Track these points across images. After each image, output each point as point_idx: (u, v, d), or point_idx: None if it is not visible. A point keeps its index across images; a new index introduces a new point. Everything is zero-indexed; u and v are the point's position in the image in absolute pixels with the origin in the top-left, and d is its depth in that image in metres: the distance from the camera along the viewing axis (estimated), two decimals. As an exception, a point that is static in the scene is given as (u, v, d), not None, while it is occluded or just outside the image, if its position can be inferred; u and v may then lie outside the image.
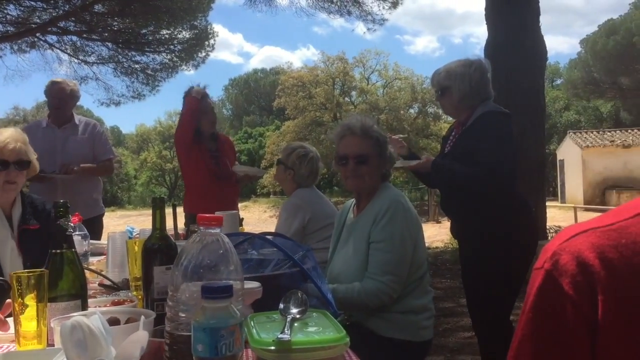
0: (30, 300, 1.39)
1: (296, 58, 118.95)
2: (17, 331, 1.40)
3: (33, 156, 2.84)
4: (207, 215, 1.23)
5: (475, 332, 3.47)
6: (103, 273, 2.31)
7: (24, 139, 2.80)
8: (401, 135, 3.69)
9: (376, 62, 39.14)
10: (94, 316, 1.03)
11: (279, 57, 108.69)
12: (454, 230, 3.50)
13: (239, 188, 4.81)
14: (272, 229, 3.43)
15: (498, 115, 3.15)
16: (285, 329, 1.24)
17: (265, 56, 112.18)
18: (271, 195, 36.05)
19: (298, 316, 1.36)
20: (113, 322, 1.38)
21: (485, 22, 8.10)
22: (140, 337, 1.05)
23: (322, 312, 1.43)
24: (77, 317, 1.02)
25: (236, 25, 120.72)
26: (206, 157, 4.50)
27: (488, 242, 3.09)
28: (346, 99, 38.33)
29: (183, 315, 1.20)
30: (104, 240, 4.39)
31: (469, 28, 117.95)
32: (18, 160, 2.72)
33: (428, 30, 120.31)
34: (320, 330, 1.28)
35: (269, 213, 29.26)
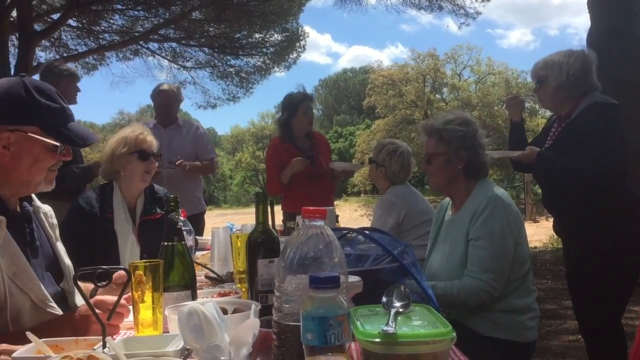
0: (146, 289, 1.47)
1: (385, 56, 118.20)
2: (135, 318, 1.49)
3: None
4: (311, 208, 1.25)
5: (582, 335, 3.29)
6: (208, 266, 2.41)
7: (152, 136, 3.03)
8: (522, 97, 3.57)
9: (468, 58, 38.16)
10: (208, 304, 1.08)
11: (367, 56, 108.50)
12: (557, 228, 3.33)
13: (334, 186, 4.87)
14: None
15: (605, 107, 2.97)
16: (390, 322, 1.24)
17: (353, 56, 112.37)
18: (362, 194, 36.06)
19: (401, 310, 1.35)
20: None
21: (587, 11, 7.67)
22: (252, 324, 1.08)
23: (425, 306, 1.41)
24: (194, 304, 1.07)
25: (325, 26, 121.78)
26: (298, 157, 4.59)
27: (597, 241, 2.91)
28: (437, 96, 37.63)
29: (287, 305, 1.23)
30: (206, 236, 4.58)
31: (567, 19, 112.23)
32: (154, 152, 2.96)
33: (521, 23, 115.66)
34: (425, 324, 1.27)
35: (359, 212, 29.28)
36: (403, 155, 3.86)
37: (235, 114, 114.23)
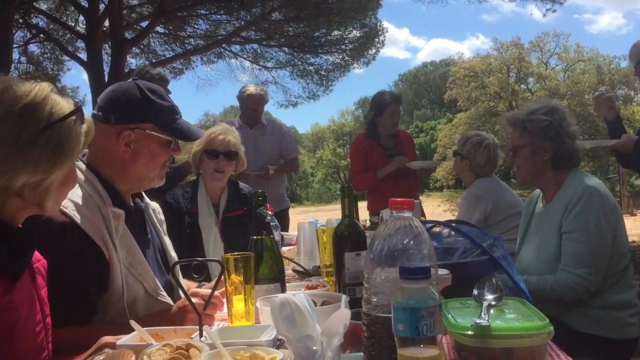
0: (238, 281, 1.51)
1: (465, 48, 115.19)
2: (229, 310, 1.54)
3: (242, 150, 3.12)
4: (398, 199, 1.24)
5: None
6: (295, 260, 2.45)
7: (236, 135, 3.12)
8: (610, 93, 3.39)
9: (555, 45, 36.56)
10: (300, 294, 1.10)
11: (447, 48, 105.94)
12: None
13: (418, 183, 4.85)
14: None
15: None
16: (483, 314, 1.21)
17: (432, 49, 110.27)
18: (445, 189, 35.44)
19: (494, 303, 1.32)
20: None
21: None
22: (343, 314, 1.09)
23: (519, 300, 1.37)
24: (285, 294, 1.09)
25: (402, 20, 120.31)
26: (382, 157, 4.59)
27: None
28: (522, 86, 36.32)
29: (376, 297, 1.23)
30: (291, 231, 4.66)
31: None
32: (227, 151, 3.01)
33: (611, 7, 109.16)
34: (520, 317, 1.23)
35: (443, 207, 28.78)
36: (489, 148, 3.76)
37: (315, 112, 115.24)
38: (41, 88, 1.33)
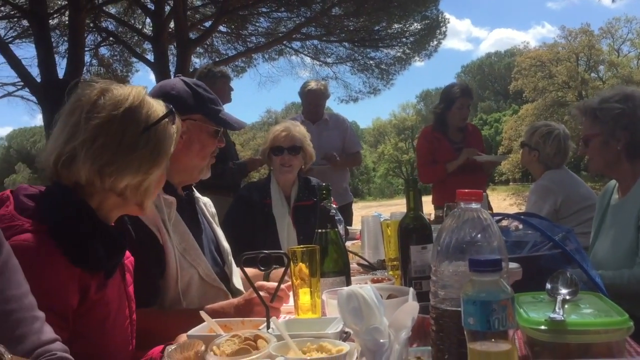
0: (304, 273, 1.52)
1: (530, 37, 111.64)
2: (295, 303, 1.55)
3: (308, 144, 3.20)
4: (466, 190, 1.21)
5: None
6: (359, 254, 2.44)
7: (301, 130, 3.20)
8: None
9: (627, 31, 34.95)
10: (366, 287, 1.09)
11: (511, 38, 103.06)
12: None
13: (485, 177, 4.76)
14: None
15: None
16: (557, 309, 1.17)
17: (495, 39, 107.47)
18: (510, 183, 34.56)
19: (568, 297, 1.27)
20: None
21: None
22: (412, 307, 1.07)
23: (595, 294, 1.32)
24: (352, 287, 1.09)
25: (464, 11, 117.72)
26: (449, 150, 4.52)
27: None
28: (592, 74, 34.91)
29: (444, 291, 1.20)
30: (354, 226, 4.65)
31: None
32: (291, 146, 3.11)
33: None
34: (597, 312, 1.18)
35: (508, 201, 28.07)
36: (559, 138, 3.62)
37: (376, 107, 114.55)
38: (137, 91, 1.40)
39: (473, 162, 4.49)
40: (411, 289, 1.29)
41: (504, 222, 2.11)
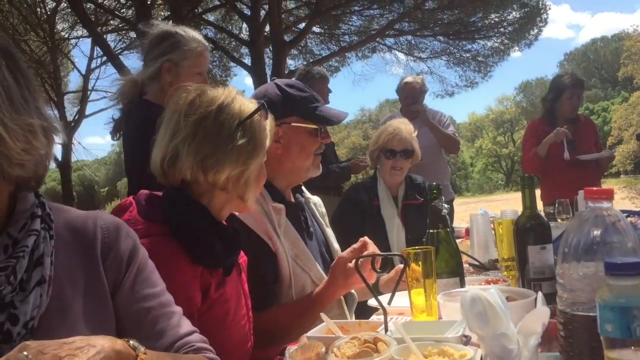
0: (418, 274, 1.50)
1: (637, 20, 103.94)
2: (411, 303, 1.53)
3: (416, 144, 3.17)
4: (594, 188, 1.15)
5: None
6: (469, 254, 2.38)
7: (410, 130, 3.17)
8: None
9: None
10: (491, 290, 1.06)
11: (615, 22, 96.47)
12: None
13: (599, 172, 4.50)
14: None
15: None
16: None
17: (599, 24, 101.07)
18: (621, 175, 32.48)
19: None
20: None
21: None
22: (542, 312, 1.03)
23: None
24: (476, 290, 1.05)
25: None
26: (557, 144, 4.29)
27: None
28: None
29: (571, 294, 1.14)
30: (456, 222, 4.55)
31: None
32: (403, 150, 3.08)
33: None
34: None
35: (620, 195, 26.33)
36: (677, 127, 3.35)
37: (472, 101, 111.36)
38: (229, 90, 1.48)
39: (582, 161, 4.24)
40: (540, 293, 1.23)
41: (631, 219, 1.97)
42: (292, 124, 1.89)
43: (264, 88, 1.97)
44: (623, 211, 2.08)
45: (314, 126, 1.91)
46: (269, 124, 1.52)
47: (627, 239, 1.11)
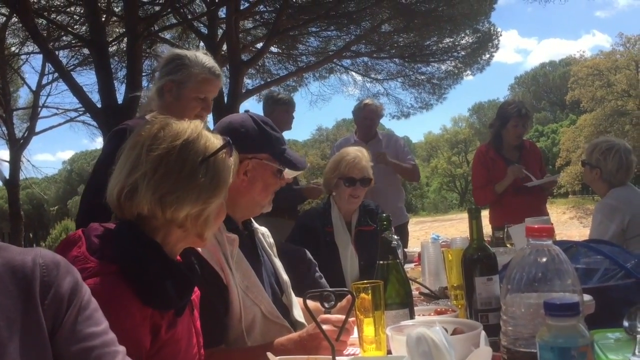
0: (368, 304, 1.51)
1: (581, 46, 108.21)
2: (359, 336, 1.54)
3: (371, 171, 3.19)
4: (536, 226, 1.18)
5: None
6: (419, 281, 2.41)
7: (368, 158, 3.19)
8: None
9: (689, 36, 33.44)
10: (435, 328, 1.07)
11: (561, 48, 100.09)
12: None
13: (545, 195, 4.62)
14: (574, 232, 3.19)
15: None
16: (637, 351, 1.11)
17: (545, 50, 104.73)
18: (570, 195, 33.49)
19: (649, 336, 1.20)
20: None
21: None
22: (485, 353, 1.04)
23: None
24: (421, 329, 1.06)
25: (509, 22, 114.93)
26: (504, 169, 4.39)
27: None
28: (654, 82, 33.55)
29: (514, 328, 1.16)
30: (410, 246, 4.59)
31: None
32: (362, 178, 3.10)
33: None
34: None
35: (568, 215, 27.16)
36: (620, 153, 3.48)
37: (427, 121, 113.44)
38: (195, 125, 1.44)
39: (528, 180, 4.35)
40: (482, 332, 1.24)
41: (572, 249, 2.03)
42: (264, 160, 1.90)
43: (240, 118, 1.96)
44: (567, 242, 2.14)
45: (280, 167, 1.93)
46: (232, 161, 1.49)
47: (566, 276, 1.14)
